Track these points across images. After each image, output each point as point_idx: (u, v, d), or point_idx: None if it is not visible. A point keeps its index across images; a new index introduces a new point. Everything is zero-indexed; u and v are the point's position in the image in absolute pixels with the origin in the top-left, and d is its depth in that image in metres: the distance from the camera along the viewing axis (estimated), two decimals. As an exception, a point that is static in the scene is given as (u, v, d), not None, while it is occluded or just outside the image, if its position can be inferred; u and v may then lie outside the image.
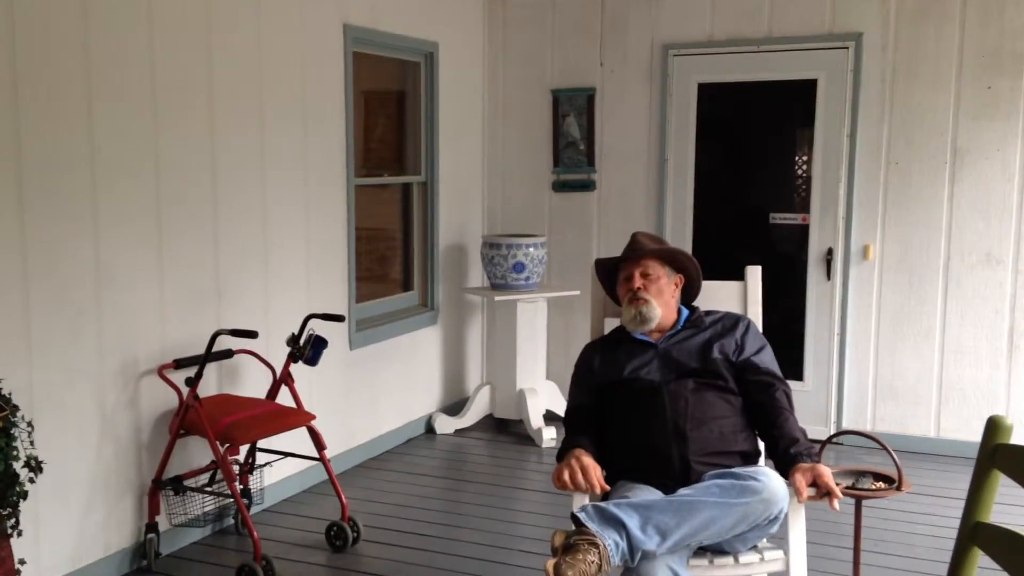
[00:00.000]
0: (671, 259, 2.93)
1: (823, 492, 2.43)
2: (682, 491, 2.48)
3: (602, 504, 2.43)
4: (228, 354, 3.83)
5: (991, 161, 4.78)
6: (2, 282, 3.05)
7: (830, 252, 5.12)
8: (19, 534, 2.88)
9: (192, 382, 3.48)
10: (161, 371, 3.58)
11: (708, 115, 5.36)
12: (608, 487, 2.64)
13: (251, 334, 3.53)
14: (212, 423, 3.46)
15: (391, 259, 5.49)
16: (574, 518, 2.41)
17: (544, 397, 5.42)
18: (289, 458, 4.04)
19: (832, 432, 5.08)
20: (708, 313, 2.93)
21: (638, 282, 2.84)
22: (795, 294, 5.21)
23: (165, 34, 3.59)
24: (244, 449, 3.88)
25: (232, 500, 3.66)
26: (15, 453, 2.83)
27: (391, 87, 5.43)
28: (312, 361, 3.85)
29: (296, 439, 4.00)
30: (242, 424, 3.51)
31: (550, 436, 5.17)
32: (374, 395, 4.99)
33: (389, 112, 5.45)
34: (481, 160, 5.89)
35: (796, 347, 5.21)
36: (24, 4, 3.06)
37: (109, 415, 3.46)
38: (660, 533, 2.37)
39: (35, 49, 3.11)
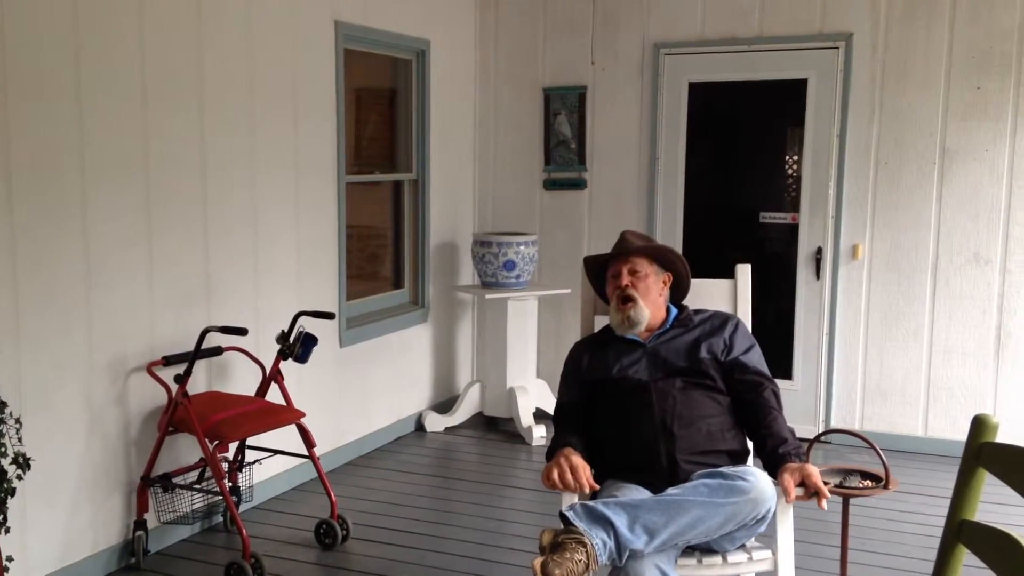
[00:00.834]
0: (659, 257, 2.93)
1: (811, 492, 2.43)
2: (670, 490, 2.48)
3: (590, 503, 2.43)
4: (217, 351, 3.82)
5: (980, 162, 4.80)
6: (-10, 278, 3.04)
7: (819, 251, 5.14)
8: (7, 531, 2.87)
9: (181, 379, 3.47)
10: (150, 368, 3.57)
11: (699, 114, 5.38)
12: (597, 486, 2.64)
13: (241, 331, 3.52)
14: (201, 420, 3.45)
15: (382, 257, 5.49)
16: (562, 517, 2.41)
17: (534, 395, 5.43)
18: (278, 456, 4.03)
19: (820, 431, 5.10)
20: (697, 312, 2.93)
21: (626, 279, 2.85)
22: (784, 293, 5.23)
23: (155, 31, 3.57)
24: (233, 446, 3.87)
25: (221, 498, 3.65)
26: (3, 450, 2.82)
27: (382, 84, 5.43)
28: (302, 359, 3.84)
29: (286, 437, 3.99)
30: (231, 421, 3.51)
31: (540, 434, 5.18)
32: (364, 393, 4.99)
33: (380, 110, 5.44)
34: (472, 158, 5.88)
35: (785, 346, 5.23)
36: (14, 3, 3.05)
37: (98, 412, 3.45)
38: (648, 532, 2.37)
39: (24, 46, 3.09)
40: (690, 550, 2.54)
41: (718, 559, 2.55)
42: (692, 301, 3.01)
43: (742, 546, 2.59)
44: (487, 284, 5.35)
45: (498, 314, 5.38)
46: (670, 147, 5.43)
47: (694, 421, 2.67)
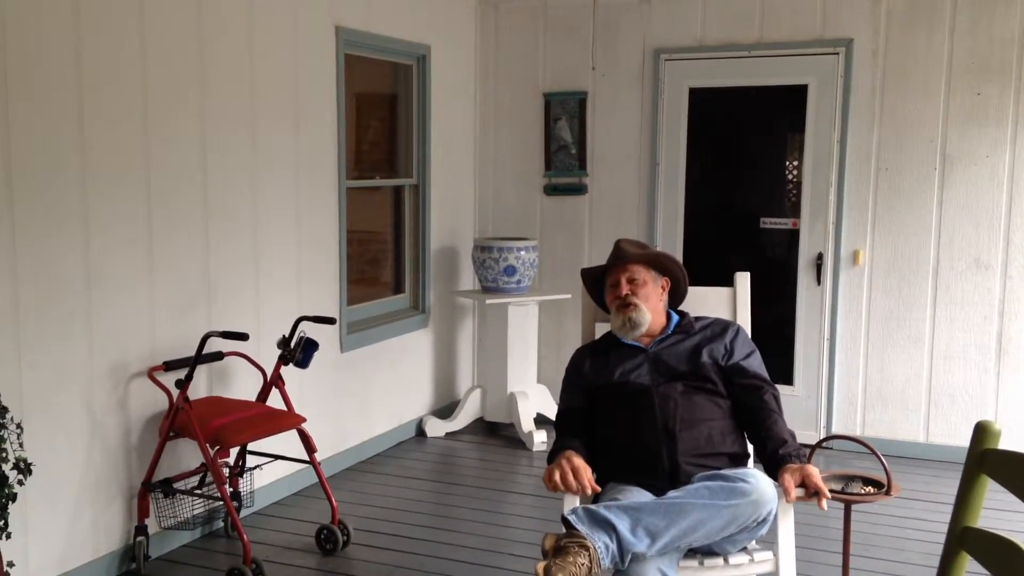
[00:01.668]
0: (656, 263, 2.95)
1: (811, 492, 2.45)
2: (672, 493, 2.49)
3: (592, 507, 2.44)
4: (218, 356, 3.82)
5: (980, 167, 4.80)
6: (-9, 283, 3.04)
7: (820, 257, 5.14)
8: (7, 536, 2.86)
9: (182, 384, 3.47)
10: (151, 373, 3.57)
11: (699, 119, 5.38)
12: (599, 489, 2.65)
13: (242, 336, 3.52)
14: (202, 425, 3.45)
15: (382, 262, 5.49)
16: (565, 521, 2.41)
17: (535, 400, 5.43)
18: (279, 461, 4.03)
19: (822, 437, 5.10)
20: (698, 319, 2.96)
21: (625, 288, 2.87)
22: (785, 299, 5.23)
23: (156, 35, 3.58)
24: (234, 452, 3.87)
25: (222, 503, 3.65)
26: (4, 455, 2.82)
27: (383, 90, 5.43)
28: (303, 364, 3.84)
29: (286, 442, 3.99)
30: (232, 427, 3.50)
31: (541, 439, 5.17)
32: (365, 398, 4.99)
33: (381, 115, 5.44)
34: (473, 163, 5.89)
35: (786, 352, 5.23)
36: (15, 5, 3.05)
37: (99, 417, 3.45)
38: (650, 535, 2.38)
39: (26, 50, 3.10)
40: (692, 553, 2.54)
41: (719, 561, 2.55)
42: (692, 309, 3.02)
43: (743, 548, 2.59)
44: (488, 289, 5.35)
45: (499, 319, 5.38)
46: (670, 152, 5.43)
47: (695, 424, 2.69)
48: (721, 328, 2.90)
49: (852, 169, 5.04)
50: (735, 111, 5.38)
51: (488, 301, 5.27)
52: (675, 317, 2.95)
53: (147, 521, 3.59)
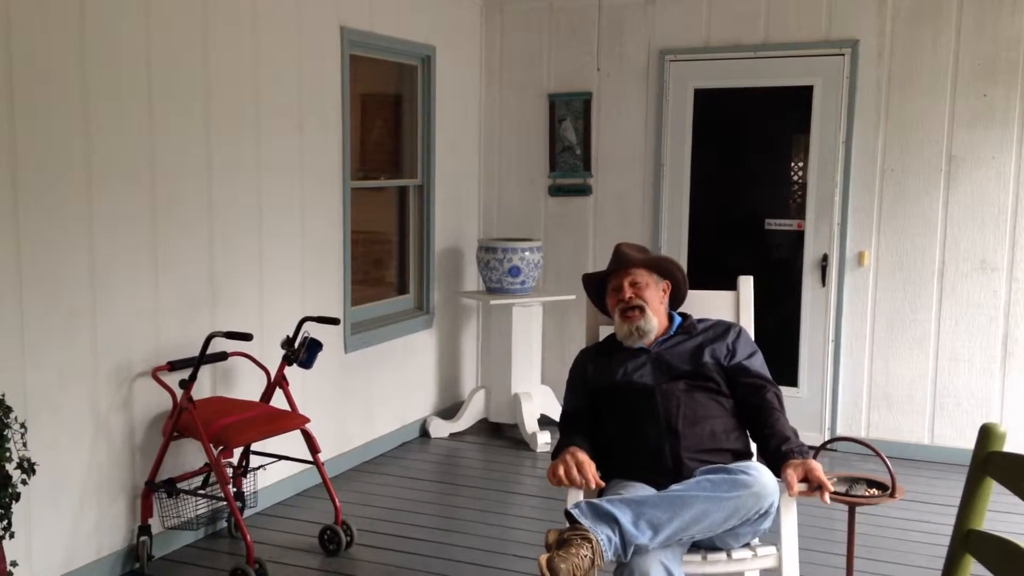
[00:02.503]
0: (657, 267, 2.97)
1: (814, 486, 2.46)
2: (674, 487, 2.52)
3: (595, 500, 2.46)
4: (222, 356, 3.82)
5: (986, 169, 4.79)
6: (-4, 283, 3.04)
7: (825, 258, 5.13)
8: (11, 536, 2.87)
9: (186, 384, 3.47)
10: (155, 373, 3.57)
11: (704, 120, 5.37)
12: (603, 483, 2.66)
13: (246, 336, 3.52)
14: (206, 426, 3.45)
15: (387, 262, 5.49)
16: (568, 515, 2.43)
17: (539, 401, 5.42)
18: (283, 461, 4.03)
19: (826, 438, 5.08)
20: (700, 321, 2.98)
21: (628, 292, 2.89)
22: (790, 300, 5.22)
23: (161, 36, 3.58)
24: (238, 452, 3.87)
25: (225, 503, 3.65)
26: (8, 455, 2.82)
27: (388, 90, 5.44)
28: (307, 364, 3.84)
29: (290, 442, 3.99)
30: (236, 427, 3.51)
31: (545, 440, 5.17)
32: (369, 398, 4.99)
33: (386, 115, 5.45)
34: (477, 164, 5.89)
35: (791, 353, 5.22)
36: (21, 6, 3.06)
37: (103, 417, 3.45)
38: (652, 527, 2.39)
39: (31, 51, 3.10)
40: (695, 547, 2.55)
41: (722, 556, 2.56)
42: (695, 312, 3.04)
43: (746, 544, 2.60)
44: (492, 290, 5.35)
45: (503, 320, 5.37)
46: (675, 153, 5.42)
47: (698, 421, 2.71)
48: (723, 329, 2.92)
49: (857, 170, 5.03)
50: (740, 112, 5.37)
51: (492, 302, 5.27)
52: (677, 319, 2.97)
53: (151, 521, 3.59)
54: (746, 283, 3.15)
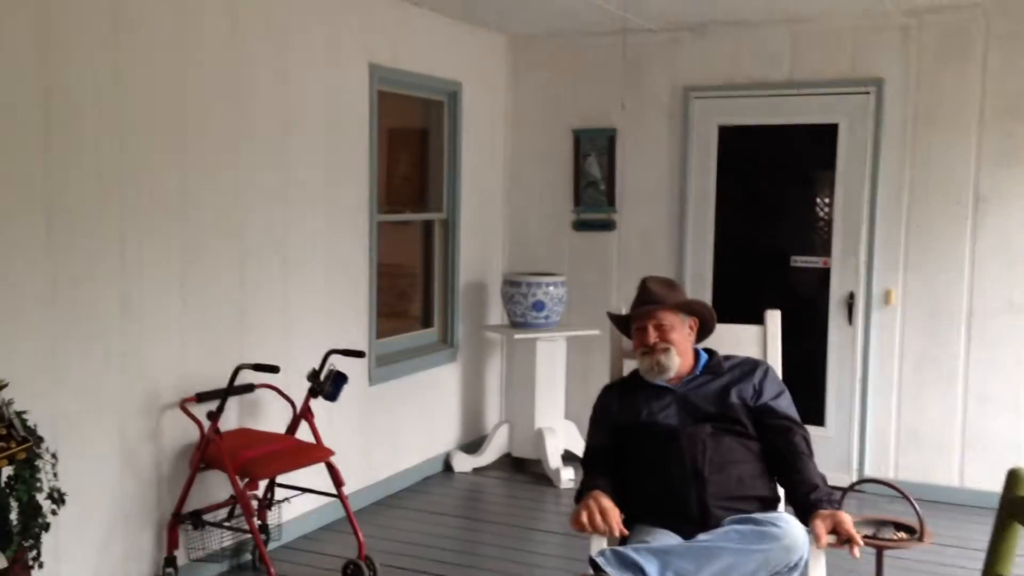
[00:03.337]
0: (684, 309, 2.92)
1: (843, 539, 2.40)
2: (701, 536, 2.46)
3: (620, 548, 2.42)
4: (249, 388, 3.85)
5: (1013, 208, 4.76)
6: (29, 315, 3.10)
7: (851, 296, 5.10)
8: (40, 565, 2.90)
9: (213, 416, 3.50)
10: (183, 404, 3.61)
11: (729, 157, 5.39)
12: (627, 532, 2.62)
13: (273, 369, 3.55)
14: (232, 458, 3.48)
15: (412, 295, 5.52)
16: (592, 563, 2.39)
17: (562, 437, 5.40)
18: (307, 494, 4.04)
19: (854, 480, 5.02)
20: (727, 358, 2.93)
21: (652, 337, 2.83)
22: (816, 338, 5.18)
23: (194, 71, 3.66)
24: (263, 484, 3.89)
25: (250, 535, 3.66)
26: (39, 485, 2.86)
27: (415, 125, 5.50)
28: (332, 396, 3.86)
29: (315, 475, 4.00)
30: (262, 459, 3.53)
31: (568, 476, 5.15)
32: (393, 432, 5.00)
33: (412, 150, 5.51)
34: (502, 198, 5.93)
35: (817, 392, 5.17)
36: (58, 38, 3.14)
37: (131, 448, 3.49)
38: None
39: (67, 85, 3.18)
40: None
41: (749, 609, 2.51)
42: (722, 347, 3.00)
43: (774, 596, 2.55)
44: (516, 324, 5.36)
45: (527, 354, 5.38)
46: (700, 190, 5.43)
47: (725, 466, 2.66)
48: (750, 368, 2.87)
49: (883, 208, 5.01)
50: (765, 149, 5.38)
51: (516, 336, 5.28)
52: (703, 356, 2.93)
53: (176, 552, 3.61)
54: (773, 317, 3.12)
